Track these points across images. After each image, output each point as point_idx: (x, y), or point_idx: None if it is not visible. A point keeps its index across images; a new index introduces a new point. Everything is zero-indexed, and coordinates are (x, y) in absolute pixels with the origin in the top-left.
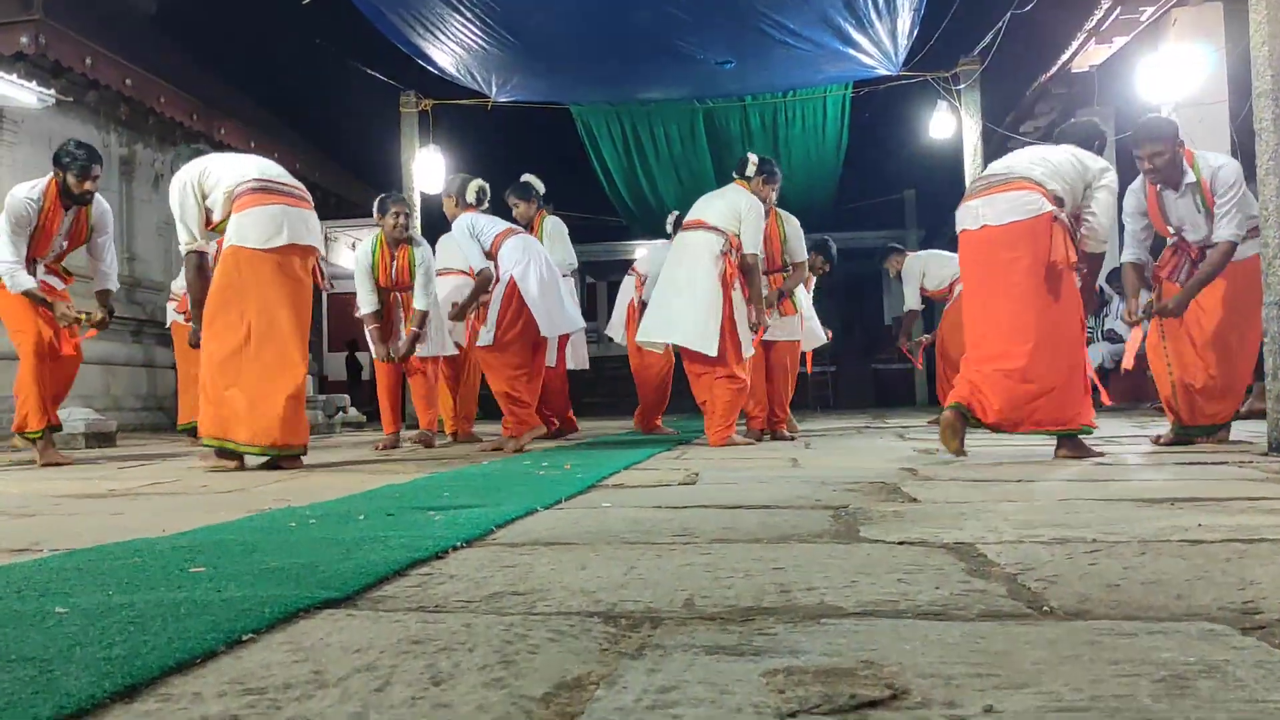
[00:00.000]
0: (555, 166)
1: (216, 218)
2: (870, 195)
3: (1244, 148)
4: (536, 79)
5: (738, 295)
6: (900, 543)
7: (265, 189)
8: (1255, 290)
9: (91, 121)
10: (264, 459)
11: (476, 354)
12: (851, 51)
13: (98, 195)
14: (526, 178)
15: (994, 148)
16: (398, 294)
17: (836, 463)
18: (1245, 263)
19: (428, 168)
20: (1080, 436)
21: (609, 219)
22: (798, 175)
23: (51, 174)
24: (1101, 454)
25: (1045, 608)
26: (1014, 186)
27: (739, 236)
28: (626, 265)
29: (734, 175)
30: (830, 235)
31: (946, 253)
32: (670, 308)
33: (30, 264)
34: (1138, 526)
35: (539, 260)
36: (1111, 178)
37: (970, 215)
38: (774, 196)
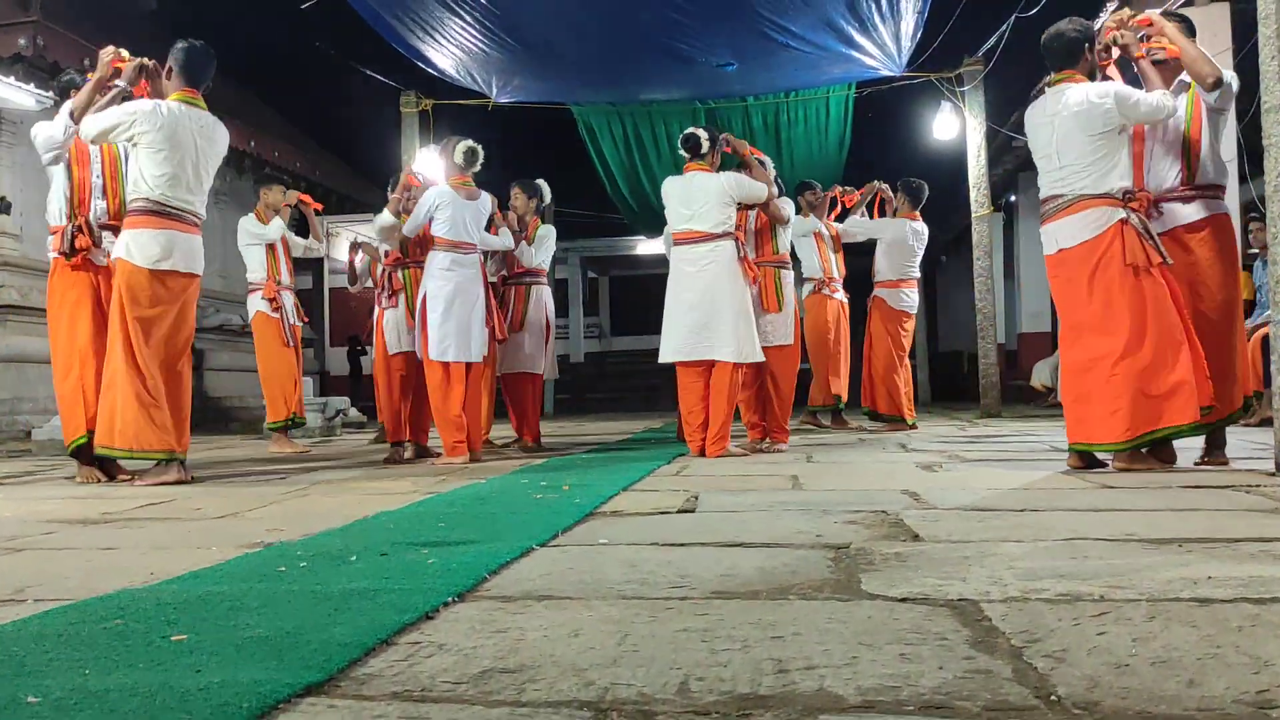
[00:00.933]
0: (557, 164)
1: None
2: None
3: (1250, 147)
4: (537, 80)
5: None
6: (902, 599)
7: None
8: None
9: None
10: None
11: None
12: (854, 53)
13: None
14: (540, 181)
15: (997, 148)
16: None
17: (838, 484)
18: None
19: (428, 168)
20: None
21: (610, 216)
22: (800, 172)
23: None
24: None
25: (1053, 696)
26: (1080, 208)
27: (737, 215)
28: (628, 261)
29: (687, 156)
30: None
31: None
32: (715, 329)
33: None
34: (1146, 578)
35: (468, 278)
36: (1117, 87)
37: (1049, 240)
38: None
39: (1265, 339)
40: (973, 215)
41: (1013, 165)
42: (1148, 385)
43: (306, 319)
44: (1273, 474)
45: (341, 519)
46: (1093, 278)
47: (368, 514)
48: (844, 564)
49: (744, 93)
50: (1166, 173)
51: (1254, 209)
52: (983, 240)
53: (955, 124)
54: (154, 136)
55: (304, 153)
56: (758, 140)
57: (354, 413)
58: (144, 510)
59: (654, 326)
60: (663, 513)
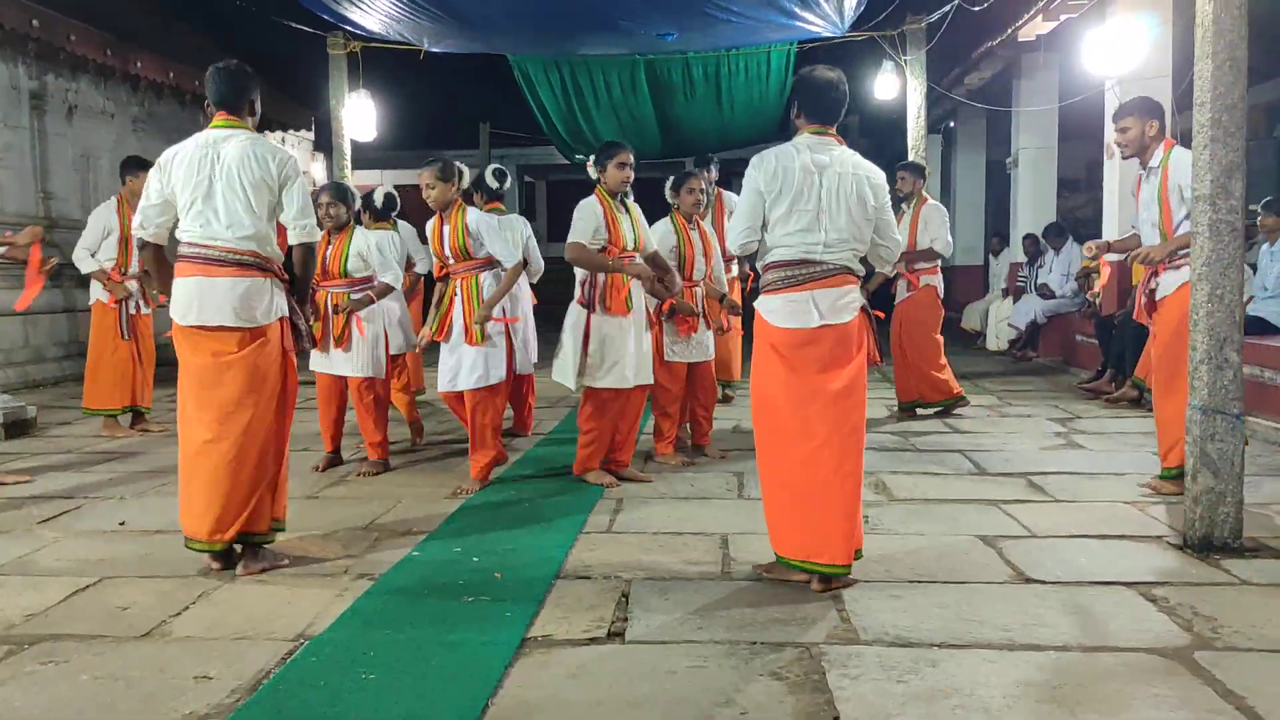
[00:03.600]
0: (492, 105)
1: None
2: None
3: (1183, 124)
4: (471, 42)
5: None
6: None
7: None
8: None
9: None
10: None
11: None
12: (796, 23)
13: None
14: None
15: (935, 107)
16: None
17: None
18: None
19: (358, 114)
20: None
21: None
22: (740, 119)
23: None
24: None
25: None
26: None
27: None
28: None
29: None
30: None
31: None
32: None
33: None
34: None
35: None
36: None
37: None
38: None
39: None
40: None
41: (951, 105)
42: None
43: (156, 303)
44: (1181, 547)
45: (270, 648)
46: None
47: (297, 633)
48: None
49: (684, 51)
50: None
51: None
52: None
53: (896, 84)
54: (166, 177)
55: None
56: (697, 90)
57: None
58: (62, 618)
59: None
60: (593, 640)
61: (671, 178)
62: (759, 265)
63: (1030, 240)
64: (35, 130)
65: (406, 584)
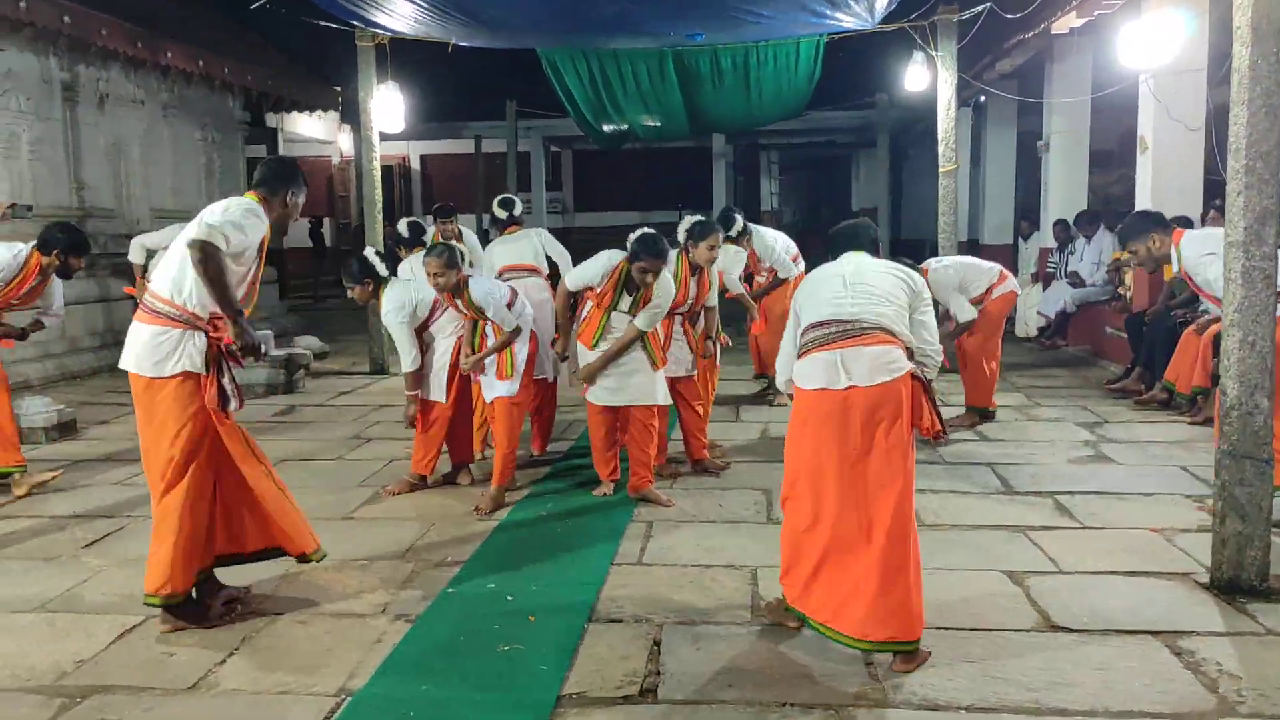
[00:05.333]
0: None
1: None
2: (841, 101)
3: (1219, 117)
4: (499, 41)
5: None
6: None
7: None
8: None
9: (29, 49)
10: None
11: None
12: (826, 21)
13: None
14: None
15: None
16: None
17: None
18: None
19: (386, 106)
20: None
21: None
22: (768, 104)
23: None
24: None
25: None
26: None
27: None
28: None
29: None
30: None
31: (977, 260)
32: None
33: None
34: None
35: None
36: None
37: None
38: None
39: (1217, 336)
40: (940, 170)
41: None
42: None
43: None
44: (1208, 586)
45: (312, 706)
46: None
47: (338, 687)
48: None
49: (712, 45)
50: None
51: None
52: (948, 195)
53: (926, 76)
54: None
55: (256, 66)
56: (725, 79)
57: (311, 357)
58: (111, 662)
59: (618, 203)
60: (627, 699)
61: (694, 223)
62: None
63: (1061, 226)
64: (68, 121)
65: (443, 630)
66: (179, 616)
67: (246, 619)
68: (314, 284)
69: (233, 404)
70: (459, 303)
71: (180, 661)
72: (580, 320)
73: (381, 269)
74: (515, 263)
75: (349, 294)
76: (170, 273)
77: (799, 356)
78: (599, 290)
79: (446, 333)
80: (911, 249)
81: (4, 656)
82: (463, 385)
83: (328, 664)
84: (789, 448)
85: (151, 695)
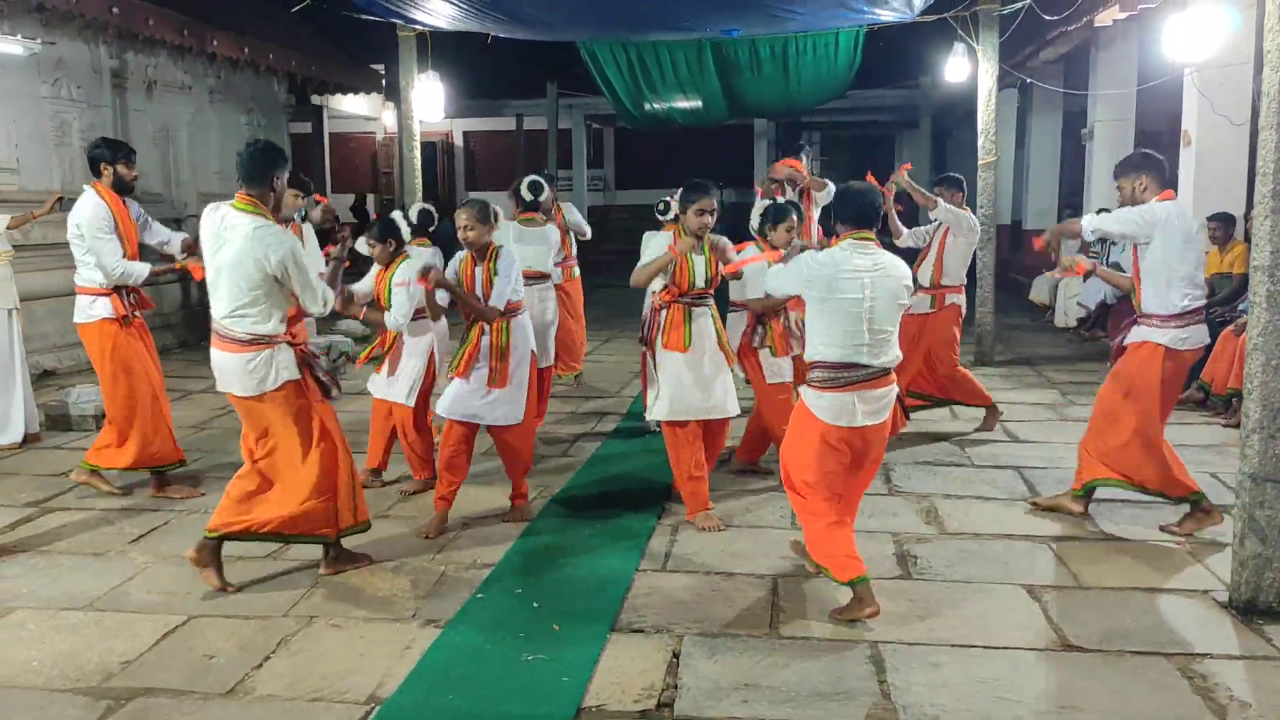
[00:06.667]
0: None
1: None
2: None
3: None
4: (537, 35)
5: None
6: None
7: None
8: None
9: (79, 39)
10: None
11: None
12: (866, 16)
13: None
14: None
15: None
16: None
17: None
18: None
19: (427, 96)
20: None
21: None
22: (807, 91)
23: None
24: None
25: None
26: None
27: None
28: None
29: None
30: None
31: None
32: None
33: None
34: None
35: None
36: None
37: None
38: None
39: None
40: (979, 162)
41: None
42: None
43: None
44: (1225, 605)
45: (343, 714)
46: None
47: (369, 694)
48: None
49: (750, 36)
50: None
51: None
52: (987, 188)
53: (967, 67)
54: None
55: (300, 51)
56: (764, 68)
57: (350, 343)
58: (154, 663)
59: (659, 180)
60: (644, 714)
61: (681, 190)
62: (806, 359)
63: None
64: (117, 108)
65: (470, 636)
66: (349, 560)
67: (284, 617)
68: (355, 259)
69: (334, 392)
70: (478, 272)
71: (219, 665)
72: (661, 330)
73: (405, 234)
74: (524, 268)
75: (368, 248)
76: (238, 303)
77: (811, 385)
78: (673, 275)
79: (425, 333)
80: None
81: (57, 655)
82: (425, 398)
83: (359, 670)
84: (794, 450)
85: (192, 699)
